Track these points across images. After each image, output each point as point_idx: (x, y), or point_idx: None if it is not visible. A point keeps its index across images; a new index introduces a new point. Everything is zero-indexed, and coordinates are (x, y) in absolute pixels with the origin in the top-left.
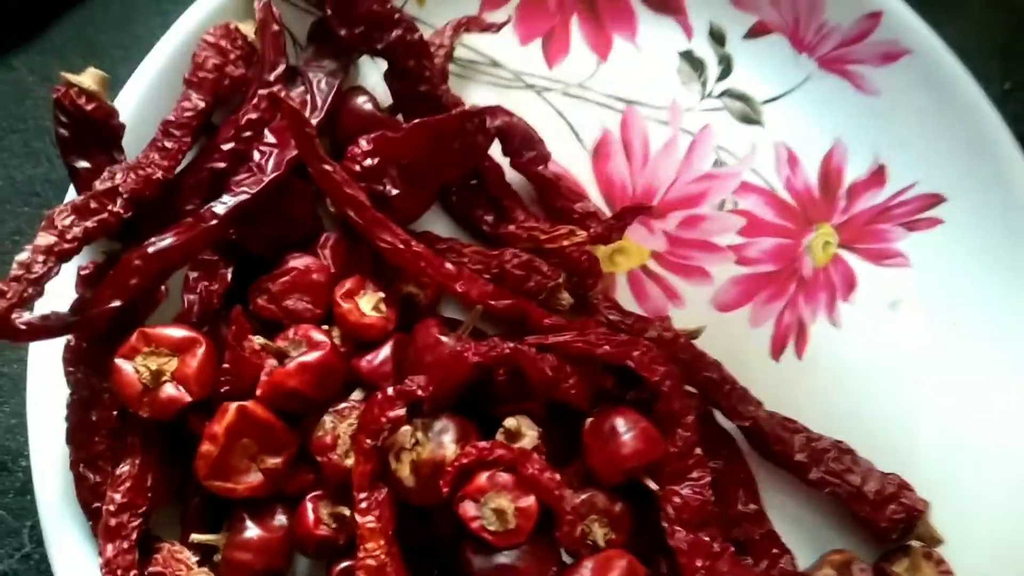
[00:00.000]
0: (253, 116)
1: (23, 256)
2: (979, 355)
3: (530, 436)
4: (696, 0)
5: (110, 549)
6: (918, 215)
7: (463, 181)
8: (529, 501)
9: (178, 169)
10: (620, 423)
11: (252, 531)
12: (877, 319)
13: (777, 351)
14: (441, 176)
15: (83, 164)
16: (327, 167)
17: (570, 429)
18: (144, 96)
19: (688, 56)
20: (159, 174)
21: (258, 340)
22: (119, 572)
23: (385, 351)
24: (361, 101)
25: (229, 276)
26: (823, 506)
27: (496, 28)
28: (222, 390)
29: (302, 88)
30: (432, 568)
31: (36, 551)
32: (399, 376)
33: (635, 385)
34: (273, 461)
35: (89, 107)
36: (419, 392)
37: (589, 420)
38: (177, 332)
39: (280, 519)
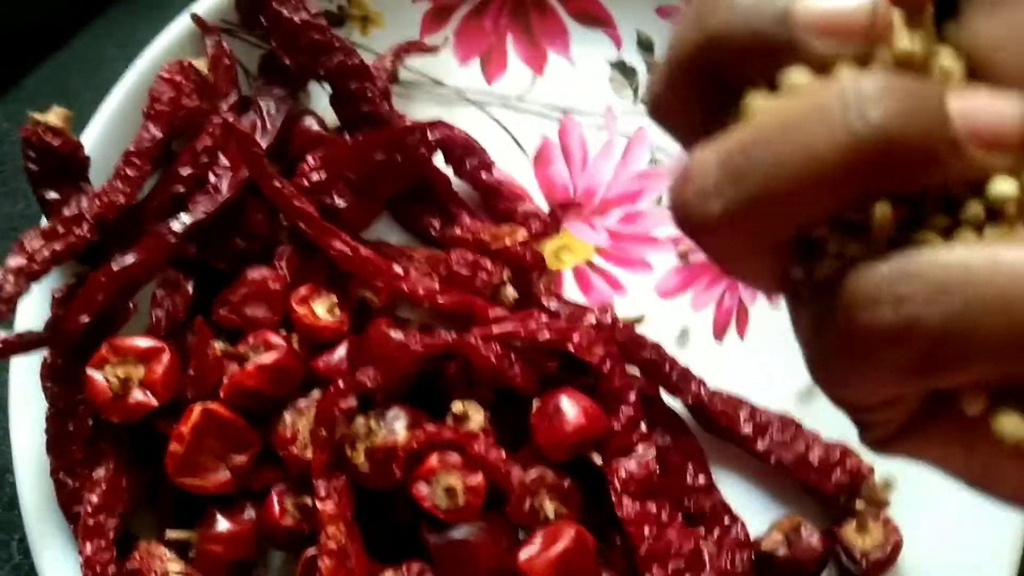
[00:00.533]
0: (209, 143)
1: None
2: None
3: (476, 419)
4: (624, 13)
5: (89, 548)
6: None
7: (411, 191)
8: (478, 479)
9: (141, 195)
10: (563, 402)
11: (223, 525)
12: None
13: (720, 332)
14: (387, 187)
15: (52, 195)
16: (276, 183)
17: (522, 415)
18: (108, 131)
19: (619, 65)
20: (121, 199)
21: (219, 346)
22: (98, 568)
23: (340, 351)
24: (309, 123)
25: (191, 290)
26: (772, 477)
27: (435, 50)
28: (188, 394)
29: (254, 115)
30: (394, 550)
31: (25, 562)
32: (354, 373)
33: (580, 371)
34: (239, 458)
35: (55, 142)
36: (369, 383)
37: (536, 403)
38: (143, 342)
39: (249, 513)
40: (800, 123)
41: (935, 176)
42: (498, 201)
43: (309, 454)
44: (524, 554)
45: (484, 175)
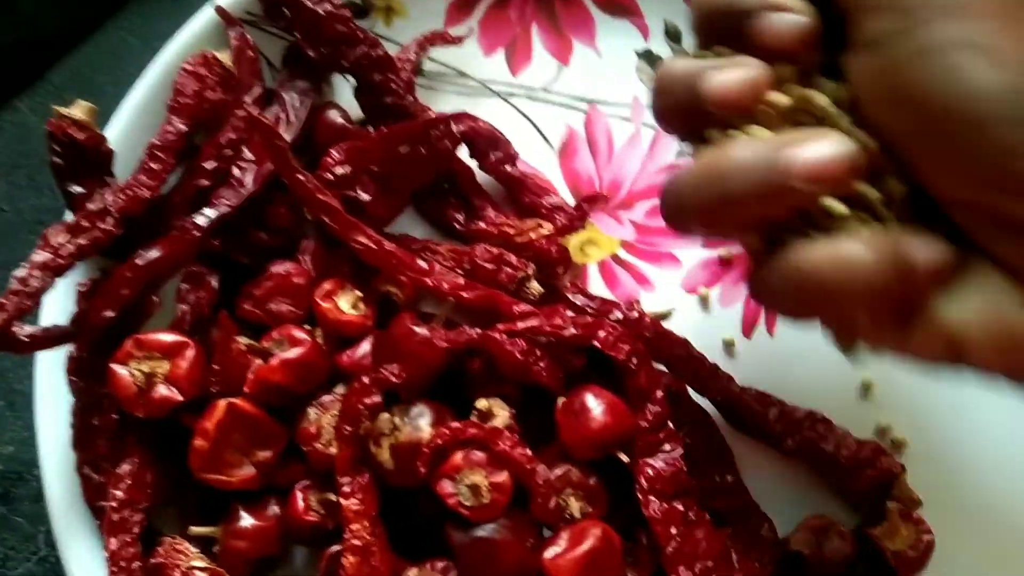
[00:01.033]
0: (232, 136)
1: (20, 272)
2: None
3: (502, 416)
4: (651, 2)
5: (114, 543)
6: None
7: (435, 185)
8: (503, 476)
9: (165, 189)
10: (590, 400)
11: (247, 520)
12: None
13: (748, 328)
14: (412, 180)
15: (77, 189)
16: (300, 177)
17: (548, 412)
18: (131, 124)
19: (647, 55)
20: (146, 193)
21: (244, 341)
22: (123, 564)
23: (364, 346)
24: (333, 115)
25: (216, 285)
26: (802, 475)
27: (459, 41)
28: (212, 390)
29: (277, 107)
30: (418, 548)
31: (52, 554)
32: (378, 369)
33: (606, 367)
34: (264, 454)
35: (80, 136)
36: (393, 379)
37: (562, 400)
38: (168, 337)
39: (273, 509)
40: (724, 169)
41: (791, 201)
42: (523, 194)
43: (333, 450)
44: (549, 553)
45: (509, 168)
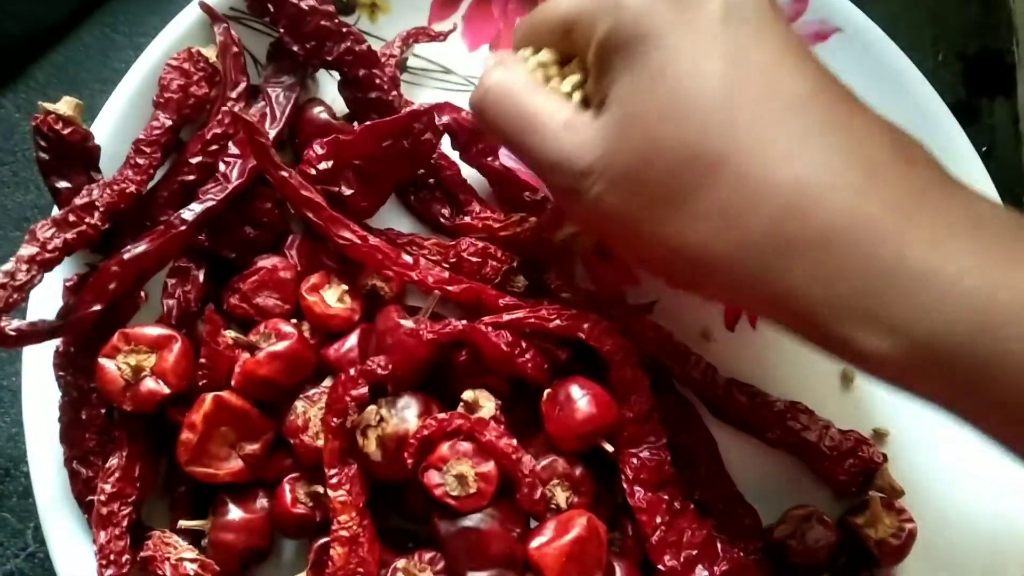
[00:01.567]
0: (218, 131)
1: (7, 266)
2: None
3: (488, 407)
4: None
5: (103, 536)
6: None
7: (420, 179)
8: (489, 466)
9: (152, 184)
10: (574, 391)
11: (235, 514)
12: None
13: (731, 321)
14: (394, 173)
15: (63, 184)
16: (283, 173)
17: (536, 405)
18: (118, 119)
19: None
20: (132, 188)
21: (230, 334)
22: (112, 556)
23: (351, 340)
24: (317, 111)
25: (202, 279)
26: (785, 465)
27: (443, 37)
28: (200, 383)
29: (262, 103)
30: (407, 539)
31: (40, 550)
32: (365, 361)
33: (591, 359)
34: (251, 447)
35: (66, 131)
36: (379, 371)
37: (547, 391)
38: (154, 331)
39: (261, 502)
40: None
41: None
42: (507, 187)
43: (321, 443)
44: (535, 542)
45: (491, 160)
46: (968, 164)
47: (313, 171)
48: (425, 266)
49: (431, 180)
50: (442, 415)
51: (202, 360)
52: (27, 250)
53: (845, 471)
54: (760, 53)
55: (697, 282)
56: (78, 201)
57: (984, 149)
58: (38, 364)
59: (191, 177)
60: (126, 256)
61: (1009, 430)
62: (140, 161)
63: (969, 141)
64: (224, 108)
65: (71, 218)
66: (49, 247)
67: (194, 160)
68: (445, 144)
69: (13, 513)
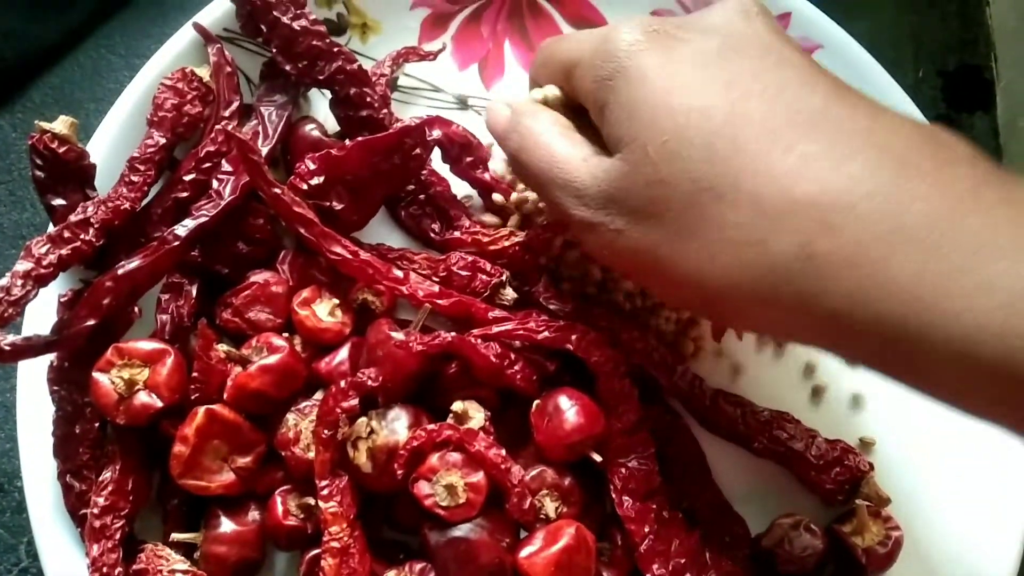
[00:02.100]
0: (211, 149)
1: (3, 281)
2: None
3: (477, 418)
4: (618, 15)
5: (95, 549)
6: None
7: (410, 195)
8: (478, 477)
9: (146, 201)
10: (563, 402)
11: (227, 526)
12: None
13: (717, 333)
14: (384, 188)
15: (59, 202)
16: (276, 190)
17: (525, 416)
18: (113, 138)
19: None
20: (127, 205)
21: (223, 348)
22: (105, 570)
23: (342, 353)
24: (309, 128)
25: (195, 294)
26: (773, 474)
27: (432, 56)
28: (192, 397)
29: (255, 121)
30: (398, 551)
31: (33, 565)
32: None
33: (580, 371)
34: (243, 460)
35: (61, 150)
36: (370, 383)
37: (536, 403)
38: (147, 345)
39: (253, 514)
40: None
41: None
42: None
43: (312, 455)
44: (524, 552)
45: (481, 172)
46: None
47: (305, 186)
48: (415, 280)
49: (421, 196)
50: (431, 426)
51: (195, 374)
52: (22, 265)
53: (832, 480)
54: (762, 78)
55: (730, 318)
56: (73, 218)
57: None
58: (33, 379)
59: (185, 194)
60: (120, 272)
61: None
62: (134, 178)
63: None
64: (217, 126)
65: (66, 234)
66: (44, 263)
67: (188, 177)
68: (436, 161)
69: (7, 529)
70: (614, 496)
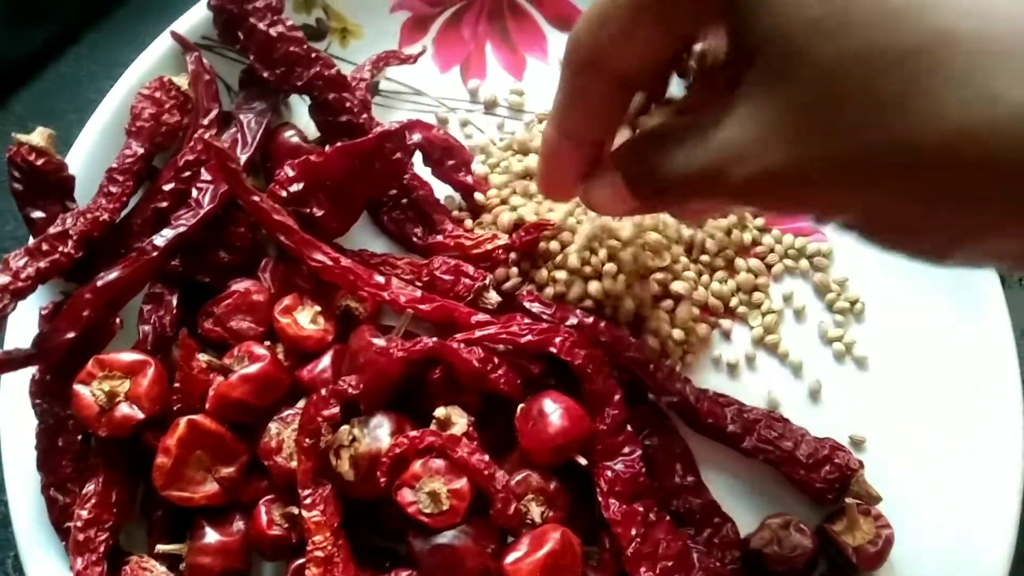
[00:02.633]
0: (190, 158)
1: None
2: (905, 323)
3: (460, 423)
4: None
5: (80, 562)
6: None
7: (392, 199)
8: (461, 483)
9: (125, 211)
10: (547, 405)
11: (212, 536)
12: None
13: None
14: (365, 193)
15: (38, 214)
16: (255, 198)
17: (510, 421)
18: (92, 149)
19: None
20: (105, 216)
21: (204, 358)
22: None
23: (325, 360)
24: (289, 135)
25: (176, 304)
26: (762, 474)
27: (413, 60)
28: (174, 407)
29: (234, 129)
30: (384, 558)
31: None
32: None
33: (565, 373)
34: (227, 471)
35: (39, 162)
36: (351, 391)
37: (520, 407)
38: (128, 356)
39: (238, 524)
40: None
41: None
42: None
43: (295, 464)
44: (510, 558)
45: (464, 175)
46: None
47: (285, 193)
48: (397, 286)
49: (404, 200)
50: (414, 433)
51: (176, 384)
52: (1, 279)
53: (821, 478)
54: None
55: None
56: (51, 230)
57: None
58: (15, 393)
59: (164, 204)
60: (99, 283)
61: None
62: (113, 189)
63: None
64: (196, 135)
65: (44, 247)
66: (22, 276)
67: (167, 187)
68: (418, 165)
69: None
70: (600, 499)
